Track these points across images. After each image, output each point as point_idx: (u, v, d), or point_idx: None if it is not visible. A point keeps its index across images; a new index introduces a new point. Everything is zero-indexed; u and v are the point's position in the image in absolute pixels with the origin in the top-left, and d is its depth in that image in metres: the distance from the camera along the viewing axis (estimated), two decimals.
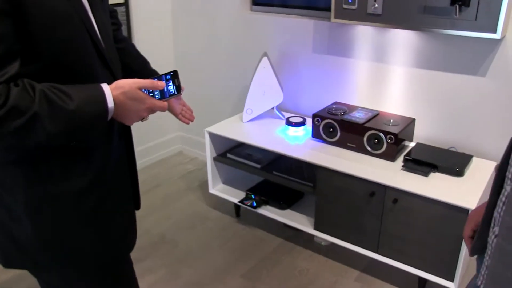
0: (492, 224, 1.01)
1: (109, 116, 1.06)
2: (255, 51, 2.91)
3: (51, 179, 1.13)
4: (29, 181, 1.12)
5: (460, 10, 1.92)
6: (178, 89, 1.17)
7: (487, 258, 0.99)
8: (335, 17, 2.28)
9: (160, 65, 3.23)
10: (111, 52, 1.23)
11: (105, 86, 1.05)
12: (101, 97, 1.03)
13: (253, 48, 2.92)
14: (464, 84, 2.21)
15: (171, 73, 1.18)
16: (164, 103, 1.14)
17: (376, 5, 2.12)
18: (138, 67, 1.55)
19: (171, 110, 1.47)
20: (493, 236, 0.98)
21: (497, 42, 2.06)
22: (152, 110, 1.13)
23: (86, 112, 1.00)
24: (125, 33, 3.03)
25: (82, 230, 1.21)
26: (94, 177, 1.19)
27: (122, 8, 3.00)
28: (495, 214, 1.00)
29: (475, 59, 2.15)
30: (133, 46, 1.57)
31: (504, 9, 1.85)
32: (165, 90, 1.15)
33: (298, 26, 2.67)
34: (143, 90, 1.10)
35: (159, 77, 1.16)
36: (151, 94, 1.13)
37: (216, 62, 3.17)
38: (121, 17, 2.98)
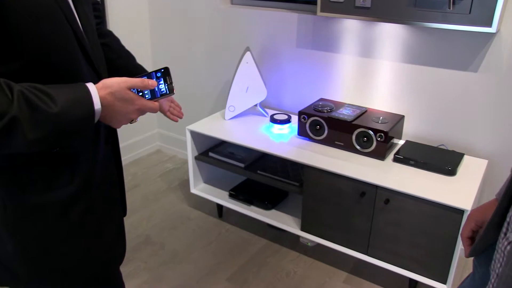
0: (504, 229, 0.93)
1: (96, 119, 0.93)
2: (237, 46, 2.77)
3: (32, 189, 1.00)
4: (8, 192, 0.99)
5: (453, 3, 1.82)
6: (170, 88, 1.04)
7: (498, 265, 0.90)
8: (321, 11, 2.16)
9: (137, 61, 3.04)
10: (95, 48, 1.10)
11: (91, 86, 0.92)
12: (87, 98, 0.90)
13: (235, 43, 2.78)
14: (455, 79, 2.12)
15: (162, 70, 1.05)
16: (155, 104, 1.01)
17: None
18: (123, 62, 1.43)
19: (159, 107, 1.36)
20: (506, 243, 0.88)
21: (490, 36, 1.97)
22: (142, 112, 1.01)
23: (70, 115, 0.87)
24: None
25: (68, 242, 1.09)
26: (80, 185, 1.06)
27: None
28: (509, 219, 0.91)
29: (466, 54, 2.06)
30: (117, 41, 1.46)
31: (500, 1, 1.76)
32: (156, 90, 1.02)
33: (281, 20, 2.54)
34: (133, 89, 0.97)
35: (148, 74, 1.03)
36: (141, 94, 1.00)
37: (196, 57, 3.02)
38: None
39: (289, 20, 2.51)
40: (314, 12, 2.41)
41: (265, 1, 2.65)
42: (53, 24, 0.92)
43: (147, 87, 0.99)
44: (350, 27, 2.31)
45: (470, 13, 1.83)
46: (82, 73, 1.01)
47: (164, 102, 1.41)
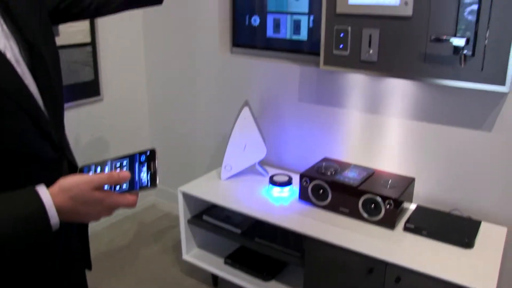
0: None
1: (54, 229, 0.80)
2: (236, 97, 2.68)
3: None
4: None
5: (465, 60, 1.73)
6: (153, 178, 0.87)
7: None
8: (325, 64, 2.07)
9: (131, 112, 2.97)
10: (57, 123, 0.99)
11: (44, 194, 0.79)
12: (40, 214, 0.77)
13: (233, 94, 2.70)
14: (468, 139, 2.00)
15: (148, 153, 0.90)
16: (131, 199, 0.86)
17: (371, 51, 1.92)
18: None
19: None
20: None
21: (503, 94, 1.87)
22: (114, 209, 0.87)
23: (18, 241, 0.75)
24: (91, 76, 2.79)
25: None
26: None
27: (89, 48, 2.76)
28: None
29: (480, 112, 1.95)
30: None
31: None
32: (136, 179, 0.87)
33: (283, 71, 2.46)
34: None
35: (131, 156, 0.89)
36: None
37: (193, 108, 2.93)
38: (87, 58, 2.75)
39: (291, 72, 2.43)
40: (318, 64, 2.31)
41: (266, 51, 2.58)
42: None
43: (117, 182, 0.85)
44: (356, 81, 2.22)
45: (482, 70, 1.73)
46: (42, 160, 0.91)
47: None
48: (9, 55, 0.87)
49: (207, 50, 2.73)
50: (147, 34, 3.04)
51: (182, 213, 2.34)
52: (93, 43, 2.78)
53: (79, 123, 2.78)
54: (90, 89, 2.84)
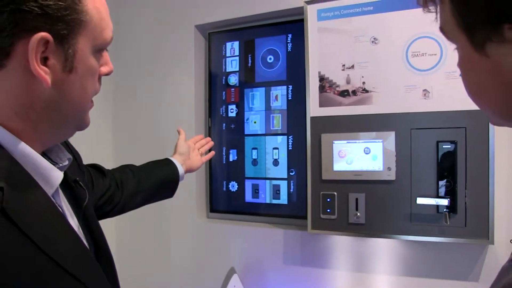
0: None
1: None
2: (215, 263, 2.72)
3: None
4: None
5: (449, 217, 1.93)
6: None
7: None
8: (313, 228, 2.22)
9: None
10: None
11: None
12: None
13: (213, 261, 2.74)
14: None
15: None
16: None
17: (359, 214, 2.10)
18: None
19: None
20: None
21: (487, 246, 2.06)
22: None
23: None
24: None
25: None
26: None
27: None
28: None
29: (466, 264, 2.11)
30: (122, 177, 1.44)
31: (492, 214, 1.88)
32: None
33: (264, 235, 2.57)
34: None
35: None
36: None
37: (173, 280, 2.93)
38: None
39: (273, 235, 2.54)
40: (300, 226, 2.46)
41: (245, 215, 2.70)
42: None
43: None
44: (342, 242, 2.36)
45: (466, 226, 1.93)
46: None
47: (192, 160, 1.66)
48: None
49: (183, 217, 2.82)
50: None
51: None
52: None
53: None
54: None
